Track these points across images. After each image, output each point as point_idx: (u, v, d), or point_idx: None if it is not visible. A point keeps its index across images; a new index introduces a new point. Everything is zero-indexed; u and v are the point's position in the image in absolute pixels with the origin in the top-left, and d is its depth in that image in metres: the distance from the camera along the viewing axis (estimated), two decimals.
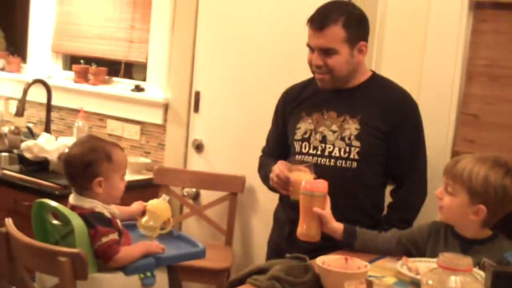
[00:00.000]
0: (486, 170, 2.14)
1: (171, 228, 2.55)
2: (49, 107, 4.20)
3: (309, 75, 2.72)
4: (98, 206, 2.24)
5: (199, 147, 3.74)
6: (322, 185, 2.31)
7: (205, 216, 3.64)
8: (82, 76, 4.31)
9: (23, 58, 4.70)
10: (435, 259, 2.09)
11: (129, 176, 2.40)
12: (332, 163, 2.61)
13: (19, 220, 2.36)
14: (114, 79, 4.30)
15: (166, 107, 3.86)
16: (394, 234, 2.37)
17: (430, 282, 1.53)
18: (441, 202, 2.24)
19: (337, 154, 2.60)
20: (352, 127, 2.60)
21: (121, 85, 4.23)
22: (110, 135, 4.06)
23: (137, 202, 2.52)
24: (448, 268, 1.52)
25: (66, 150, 3.40)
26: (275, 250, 2.77)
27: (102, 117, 4.17)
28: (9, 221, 2.32)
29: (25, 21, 4.60)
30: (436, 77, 2.90)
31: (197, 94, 3.73)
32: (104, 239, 2.16)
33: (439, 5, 2.89)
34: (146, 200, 2.54)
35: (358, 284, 1.68)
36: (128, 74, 4.30)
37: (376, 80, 2.71)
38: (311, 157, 2.63)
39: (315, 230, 2.31)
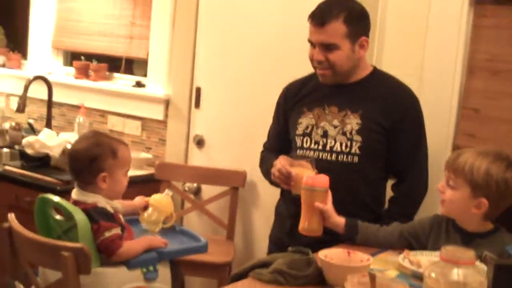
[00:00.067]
0: (487, 164, 2.14)
1: (173, 223, 2.56)
2: (50, 103, 4.20)
3: (310, 70, 2.72)
4: (101, 201, 2.25)
5: (200, 143, 3.75)
6: (323, 180, 2.32)
7: (206, 210, 3.64)
8: (83, 72, 4.31)
9: (24, 55, 4.70)
10: (436, 253, 2.10)
11: (130, 172, 2.40)
12: (333, 158, 2.61)
13: (21, 215, 2.37)
14: (115, 75, 4.31)
15: (167, 103, 3.87)
16: (395, 227, 2.38)
17: (433, 275, 1.54)
18: (442, 196, 2.25)
19: (339, 149, 2.61)
20: (353, 122, 2.60)
21: (122, 81, 4.23)
22: (111, 131, 4.07)
23: (140, 197, 2.53)
24: (450, 261, 1.52)
25: (68, 146, 3.47)
26: (277, 244, 2.78)
27: (103, 113, 4.17)
28: (12, 216, 2.33)
29: (26, 18, 4.60)
30: (437, 72, 2.90)
31: (198, 89, 3.73)
32: (107, 234, 2.17)
33: (440, 1, 2.89)
34: (147, 196, 2.55)
35: (361, 277, 1.69)
36: (129, 70, 4.31)
37: (377, 75, 2.71)
38: (312, 152, 2.64)
39: (317, 225, 2.33)
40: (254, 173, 3.31)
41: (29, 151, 3.53)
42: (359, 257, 2.03)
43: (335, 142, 2.61)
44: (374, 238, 2.35)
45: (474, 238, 2.18)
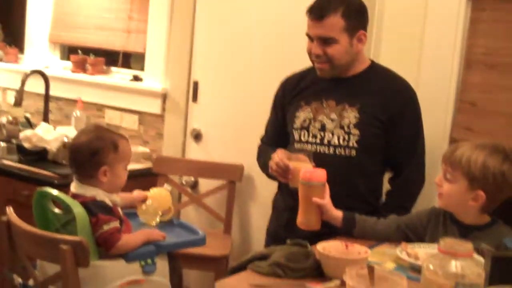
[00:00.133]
0: (484, 156, 2.15)
1: (171, 217, 2.56)
2: (47, 98, 4.20)
3: (308, 64, 2.73)
4: (100, 195, 2.25)
5: (197, 136, 3.75)
6: (321, 174, 2.32)
7: (203, 204, 3.65)
8: (80, 66, 4.31)
9: (21, 49, 4.70)
10: (434, 245, 2.12)
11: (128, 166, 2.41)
12: (331, 151, 2.62)
13: (18, 209, 2.37)
14: (112, 69, 4.31)
15: (164, 96, 3.87)
16: (393, 220, 2.39)
17: (431, 267, 1.55)
18: (440, 189, 2.26)
19: (336, 142, 2.62)
20: (351, 116, 2.61)
21: (119, 75, 4.23)
22: (108, 125, 4.06)
23: (138, 190, 2.53)
24: (449, 253, 1.54)
25: (65, 140, 3.48)
26: (274, 237, 2.79)
27: (100, 107, 4.17)
28: (10, 210, 2.33)
29: (23, 12, 4.59)
30: (434, 66, 2.91)
31: (196, 83, 3.73)
32: (106, 227, 2.18)
33: None
34: (144, 189, 2.55)
35: (359, 270, 1.69)
36: (126, 64, 4.31)
37: (375, 69, 2.72)
38: (310, 145, 2.65)
39: (315, 219, 2.33)
40: (252, 167, 3.31)
41: (26, 145, 3.53)
42: (357, 249, 2.04)
43: (333, 136, 2.62)
44: (372, 231, 2.36)
45: (471, 230, 2.19)
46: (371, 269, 1.66)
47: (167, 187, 2.56)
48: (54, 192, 2.29)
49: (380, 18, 3.04)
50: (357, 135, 2.59)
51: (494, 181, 2.14)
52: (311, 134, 2.66)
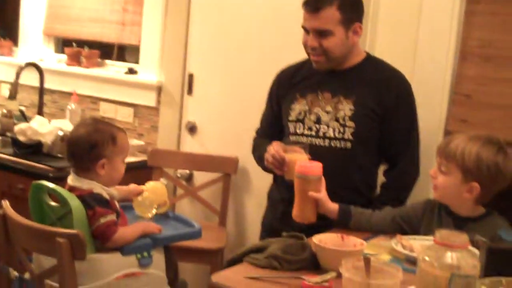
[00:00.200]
0: (478, 148, 2.17)
1: (166, 210, 2.56)
2: (41, 90, 4.19)
3: (304, 56, 2.73)
4: (97, 188, 2.25)
5: (192, 129, 3.75)
6: (317, 168, 2.33)
7: (198, 197, 3.65)
8: (75, 59, 4.29)
9: (15, 42, 4.67)
10: (429, 237, 2.13)
11: None
12: (326, 144, 2.63)
13: (14, 203, 2.36)
14: (107, 61, 4.29)
15: (159, 89, 3.86)
16: (388, 212, 2.40)
17: (427, 258, 1.56)
18: (435, 182, 2.27)
19: (332, 135, 2.62)
20: (346, 108, 2.61)
21: (114, 68, 4.22)
22: (103, 117, 4.06)
23: (134, 184, 2.53)
24: (444, 245, 1.54)
25: (60, 133, 3.47)
26: (269, 229, 2.80)
27: (95, 100, 4.16)
28: (6, 203, 2.33)
29: (17, 4, 4.56)
30: (429, 58, 2.91)
31: (191, 76, 3.73)
32: (102, 220, 2.17)
33: None
34: (139, 182, 2.55)
35: (355, 261, 1.70)
36: (121, 57, 4.29)
37: (370, 61, 2.72)
38: (305, 138, 2.66)
39: (311, 212, 2.34)
40: (247, 160, 3.32)
41: (21, 138, 3.52)
42: (353, 241, 2.05)
43: (328, 128, 2.63)
44: (367, 223, 2.38)
45: (466, 222, 2.20)
46: (367, 260, 1.67)
47: (163, 181, 2.56)
48: (50, 185, 2.28)
49: (375, 10, 3.04)
50: (352, 127, 2.60)
51: (488, 173, 2.16)
52: (306, 127, 2.67)
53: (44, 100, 4.22)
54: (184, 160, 3.68)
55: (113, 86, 4.06)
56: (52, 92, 4.32)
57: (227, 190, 3.57)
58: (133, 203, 2.51)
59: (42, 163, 3.35)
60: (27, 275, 2.30)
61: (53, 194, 2.27)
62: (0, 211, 2.31)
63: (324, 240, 2.02)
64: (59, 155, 3.44)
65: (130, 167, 3.32)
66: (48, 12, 4.49)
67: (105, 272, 2.18)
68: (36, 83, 4.20)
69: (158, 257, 2.31)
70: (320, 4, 2.52)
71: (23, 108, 4.23)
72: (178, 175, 3.77)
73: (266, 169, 2.71)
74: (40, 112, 4.13)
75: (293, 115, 2.70)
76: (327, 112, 2.64)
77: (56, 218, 2.26)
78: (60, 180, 2.60)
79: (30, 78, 4.21)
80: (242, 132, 3.38)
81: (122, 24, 4.11)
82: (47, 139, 3.50)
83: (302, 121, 2.68)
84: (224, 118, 3.63)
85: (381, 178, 2.78)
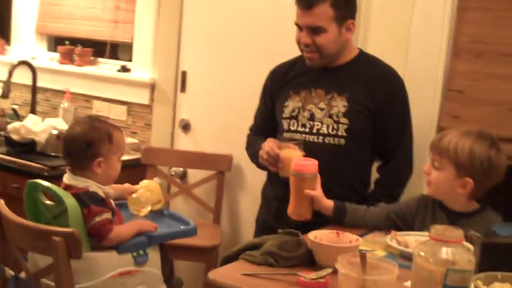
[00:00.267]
0: (471, 143, 2.18)
1: (161, 207, 2.57)
2: (34, 89, 4.18)
3: (297, 53, 2.74)
4: (92, 186, 2.25)
5: (186, 127, 3.75)
6: (312, 166, 2.33)
7: (192, 195, 3.66)
8: (67, 57, 4.28)
9: (7, 40, 4.66)
10: (423, 233, 2.15)
11: None
12: (320, 140, 2.64)
13: (8, 202, 2.36)
14: (100, 60, 4.29)
15: (152, 87, 3.86)
16: (382, 209, 2.41)
17: (422, 254, 1.57)
18: (428, 177, 2.28)
19: (325, 131, 2.63)
20: (340, 105, 2.62)
21: (107, 66, 4.22)
22: (96, 116, 4.05)
23: (128, 184, 2.53)
24: (439, 240, 1.55)
25: (54, 132, 3.46)
26: (263, 226, 2.80)
27: (88, 98, 4.16)
28: (1, 202, 2.32)
29: (9, 3, 4.55)
30: (421, 54, 2.92)
31: (184, 73, 3.73)
32: (98, 219, 2.18)
33: None
34: (133, 180, 2.55)
35: (351, 257, 1.71)
36: (114, 55, 4.29)
37: (363, 58, 2.73)
38: (299, 135, 2.66)
39: (306, 210, 2.35)
40: (240, 157, 3.32)
41: (14, 137, 3.52)
42: (348, 238, 2.06)
43: (322, 125, 2.63)
44: (362, 220, 2.38)
45: (460, 217, 2.22)
46: (363, 256, 1.68)
47: (157, 180, 2.56)
48: (46, 183, 2.28)
49: (368, 7, 3.04)
50: (346, 124, 2.61)
51: (481, 168, 2.17)
52: (300, 124, 2.67)
53: (37, 98, 4.22)
54: (178, 158, 3.68)
55: (106, 84, 4.06)
56: (45, 90, 4.32)
57: (221, 188, 3.57)
58: (128, 201, 2.50)
59: (36, 162, 3.35)
60: (22, 274, 2.31)
61: (48, 193, 2.27)
62: None
63: (319, 236, 2.03)
64: (53, 154, 3.44)
65: (124, 165, 3.31)
66: (40, 10, 4.48)
67: (101, 270, 2.19)
68: (29, 82, 4.20)
69: (154, 255, 2.31)
70: (313, 1, 2.53)
71: (16, 107, 4.22)
72: (172, 173, 3.77)
73: (260, 166, 2.72)
74: (33, 111, 4.13)
75: (286, 112, 2.71)
76: (321, 109, 2.64)
77: (52, 217, 2.25)
78: (55, 178, 2.60)
79: (22, 77, 4.21)
80: (236, 129, 3.38)
81: (115, 22, 4.11)
82: (41, 138, 3.50)
83: (295, 118, 2.69)
84: (217, 116, 3.63)
85: (375, 175, 2.79)
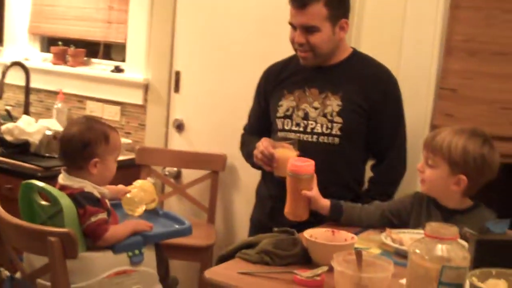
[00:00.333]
0: (464, 141, 2.19)
1: (155, 206, 2.57)
2: (27, 90, 4.18)
3: (290, 53, 2.74)
4: (88, 186, 2.25)
5: (179, 127, 3.75)
6: (309, 166, 2.31)
7: (187, 194, 3.66)
8: (61, 58, 4.27)
9: (0, 41, 4.64)
10: (418, 230, 2.16)
11: None
12: (314, 139, 2.64)
13: (2, 203, 2.36)
14: (93, 60, 4.28)
15: (146, 87, 3.86)
16: (377, 207, 2.41)
17: (418, 251, 1.57)
18: (422, 175, 2.29)
19: (319, 130, 2.64)
20: (334, 104, 2.63)
21: (100, 66, 4.21)
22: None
23: (122, 185, 2.53)
24: (434, 237, 1.56)
25: (48, 132, 3.46)
26: (258, 226, 2.81)
27: (82, 99, 4.15)
28: None
29: (1, 3, 4.54)
30: (415, 53, 2.94)
31: (177, 74, 3.73)
32: (93, 219, 2.18)
33: None
34: (127, 180, 2.55)
35: (347, 255, 1.72)
36: (107, 55, 4.29)
37: (357, 57, 2.74)
38: (293, 134, 2.67)
39: (303, 210, 2.34)
40: (234, 157, 3.33)
41: (8, 138, 3.51)
42: (343, 236, 2.06)
43: (316, 124, 2.64)
44: (358, 218, 2.39)
45: (454, 214, 2.23)
46: (359, 254, 1.69)
47: (150, 180, 2.56)
48: (41, 184, 2.28)
49: (361, 6, 3.05)
50: (340, 123, 2.62)
51: (475, 165, 2.18)
52: (294, 123, 2.68)
53: (30, 99, 4.21)
54: (172, 158, 3.68)
55: (100, 85, 4.06)
56: (38, 91, 4.31)
57: (215, 187, 3.57)
58: (122, 201, 2.50)
59: (29, 163, 3.35)
60: (18, 275, 2.31)
61: (44, 193, 2.27)
62: None
63: (315, 235, 2.03)
64: (47, 155, 3.44)
65: (118, 166, 3.31)
66: (33, 10, 4.47)
67: (96, 270, 2.19)
68: (22, 83, 4.19)
69: (149, 255, 2.32)
70: (307, 0, 2.53)
71: (9, 108, 4.21)
72: (166, 173, 3.78)
73: (254, 165, 2.73)
74: (26, 112, 4.12)
75: (281, 112, 2.72)
76: (315, 108, 2.65)
77: (47, 217, 2.26)
78: (49, 179, 2.59)
79: (16, 78, 4.20)
80: (230, 129, 3.39)
81: (108, 22, 4.10)
82: (35, 139, 3.49)
83: (290, 117, 2.69)
84: (211, 115, 3.63)
85: (369, 173, 2.80)
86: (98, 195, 2.26)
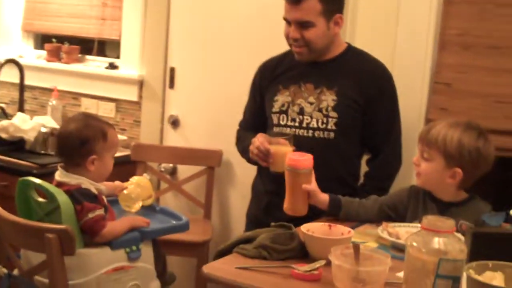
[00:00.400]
0: (459, 134, 2.21)
1: (152, 203, 2.57)
2: (22, 87, 4.16)
3: (286, 48, 2.75)
4: (85, 183, 2.25)
5: (175, 123, 3.75)
6: (308, 161, 2.31)
7: (183, 190, 3.66)
8: (55, 55, 4.27)
9: None
10: (414, 224, 2.17)
11: None
12: (310, 134, 2.65)
13: None
14: (87, 57, 4.27)
15: (141, 84, 3.86)
16: (375, 201, 2.42)
17: (415, 244, 1.58)
18: (418, 169, 2.30)
19: (315, 125, 2.65)
20: (329, 99, 2.64)
21: (95, 63, 4.20)
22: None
23: (118, 181, 2.53)
24: (431, 230, 1.57)
25: (43, 129, 3.46)
26: (254, 221, 2.82)
27: (76, 96, 4.14)
28: None
29: None
30: (409, 47, 2.94)
31: (172, 70, 3.73)
32: (91, 215, 2.18)
33: None
34: (123, 177, 2.55)
35: (344, 249, 1.73)
36: (102, 52, 4.28)
37: (352, 52, 2.75)
38: (289, 129, 2.68)
39: (302, 205, 2.34)
40: (230, 152, 3.33)
41: (3, 135, 3.51)
42: (340, 230, 2.07)
43: (311, 119, 2.65)
44: (356, 213, 2.39)
45: (449, 207, 2.25)
46: (356, 248, 1.70)
47: (146, 176, 2.56)
48: (37, 181, 2.28)
49: (355, 1, 3.06)
50: (335, 117, 2.62)
51: (470, 158, 2.20)
52: (289, 118, 2.69)
53: (24, 96, 4.20)
54: (167, 154, 3.68)
55: (94, 82, 4.05)
56: (33, 88, 4.30)
57: (211, 183, 3.58)
58: (119, 198, 2.51)
59: (25, 160, 3.35)
60: (16, 272, 2.31)
61: (41, 190, 2.27)
62: None
63: (312, 229, 2.04)
64: (42, 152, 3.44)
65: (114, 162, 3.32)
66: (26, 7, 4.45)
67: (94, 266, 2.20)
68: (16, 80, 4.17)
69: (147, 251, 2.33)
70: None
71: (3, 105, 4.20)
72: (162, 169, 3.78)
73: (250, 161, 2.73)
74: (21, 109, 4.11)
75: (276, 107, 2.72)
76: (310, 103, 2.66)
77: (44, 214, 2.26)
78: (44, 176, 2.59)
79: (10, 75, 4.18)
80: (225, 124, 3.39)
81: (102, 19, 4.09)
82: (30, 136, 3.49)
83: (285, 112, 2.70)
84: (206, 111, 3.63)
85: (364, 168, 2.81)
86: (95, 192, 2.27)
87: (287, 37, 2.64)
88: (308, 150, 2.40)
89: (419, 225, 1.87)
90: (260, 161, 2.59)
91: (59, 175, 2.29)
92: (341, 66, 2.69)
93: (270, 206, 2.72)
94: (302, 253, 2.01)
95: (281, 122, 2.70)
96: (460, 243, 1.58)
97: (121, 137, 3.83)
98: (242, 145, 2.83)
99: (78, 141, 2.27)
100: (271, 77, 2.79)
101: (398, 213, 2.36)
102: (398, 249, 2.04)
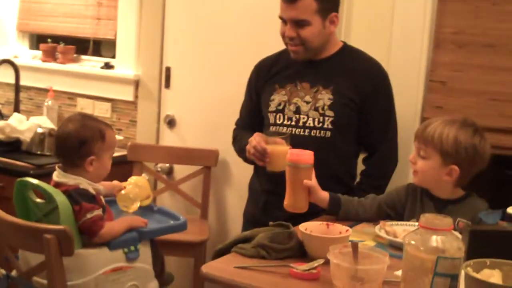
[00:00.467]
0: (455, 131, 2.22)
1: (150, 203, 2.58)
2: (17, 87, 4.16)
3: (282, 47, 2.75)
4: (83, 183, 2.26)
5: (171, 123, 3.75)
6: (308, 156, 2.31)
7: (179, 190, 3.66)
8: (50, 55, 4.26)
9: None
10: (411, 222, 2.18)
11: None
12: (306, 133, 2.66)
13: None
14: (83, 57, 4.26)
15: (136, 83, 3.85)
16: (373, 200, 2.43)
17: (413, 242, 1.59)
18: (414, 167, 2.31)
19: (311, 124, 2.65)
20: (325, 97, 2.64)
21: (90, 63, 4.20)
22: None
23: (116, 181, 2.54)
24: (429, 228, 1.57)
25: (39, 130, 3.46)
26: (251, 220, 2.82)
27: (72, 96, 4.14)
28: None
29: None
30: (404, 46, 2.95)
31: (168, 69, 3.73)
32: (89, 215, 2.18)
33: None
34: (119, 177, 2.56)
35: (342, 248, 1.73)
36: (97, 52, 4.27)
37: (348, 50, 2.75)
38: (285, 128, 2.68)
39: (303, 202, 2.32)
40: (226, 152, 3.34)
41: None
42: (338, 229, 2.07)
43: (308, 118, 2.66)
44: (355, 212, 2.40)
45: (446, 204, 2.25)
46: (355, 246, 1.70)
47: (144, 176, 2.56)
48: (35, 181, 2.28)
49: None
50: (332, 116, 2.63)
51: (467, 155, 2.21)
52: (286, 117, 2.69)
53: (20, 97, 4.19)
54: (164, 154, 3.68)
55: (90, 81, 4.05)
56: (28, 89, 4.29)
57: (208, 183, 3.58)
58: (117, 198, 2.51)
59: (21, 161, 3.34)
60: (14, 273, 2.31)
61: (38, 191, 2.27)
62: None
63: (310, 228, 2.04)
64: (39, 152, 3.44)
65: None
66: (21, 7, 4.44)
67: (92, 267, 2.20)
68: (12, 80, 4.17)
69: (145, 251, 2.33)
70: None
71: None
72: (158, 169, 3.78)
73: (247, 160, 2.74)
74: (16, 110, 4.10)
75: (272, 106, 2.73)
76: (307, 102, 2.66)
77: (42, 215, 2.26)
78: (41, 177, 2.59)
79: (5, 75, 4.19)
80: (221, 124, 3.40)
81: (97, 19, 4.09)
82: (26, 136, 3.49)
83: (282, 111, 2.71)
84: (202, 111, 3.63)
85: (361, 166, 2.81)
86: (93, 192, 2.27)
87: (283, 36, 2.65)
88: (304, 149, 2.40)
89: (416, 223, 1.88)
90: (256, 160, 2.59)
91: (57, 176, 2.29)
92: (337, 65, 2.69)
93: (267, 205, 2.73)
94: (301, 252, 2.01)
95: (278, 121, 2.71)
96: (458, 241, 1.58)
97: (117, 137, 3.84)
98: (239, 144, 2.84)
99: (77, 142, 2.27)
100: (267, 76, 2.80)
101: (397, 211, 2.37)
102: (395, 247, 2.04)
